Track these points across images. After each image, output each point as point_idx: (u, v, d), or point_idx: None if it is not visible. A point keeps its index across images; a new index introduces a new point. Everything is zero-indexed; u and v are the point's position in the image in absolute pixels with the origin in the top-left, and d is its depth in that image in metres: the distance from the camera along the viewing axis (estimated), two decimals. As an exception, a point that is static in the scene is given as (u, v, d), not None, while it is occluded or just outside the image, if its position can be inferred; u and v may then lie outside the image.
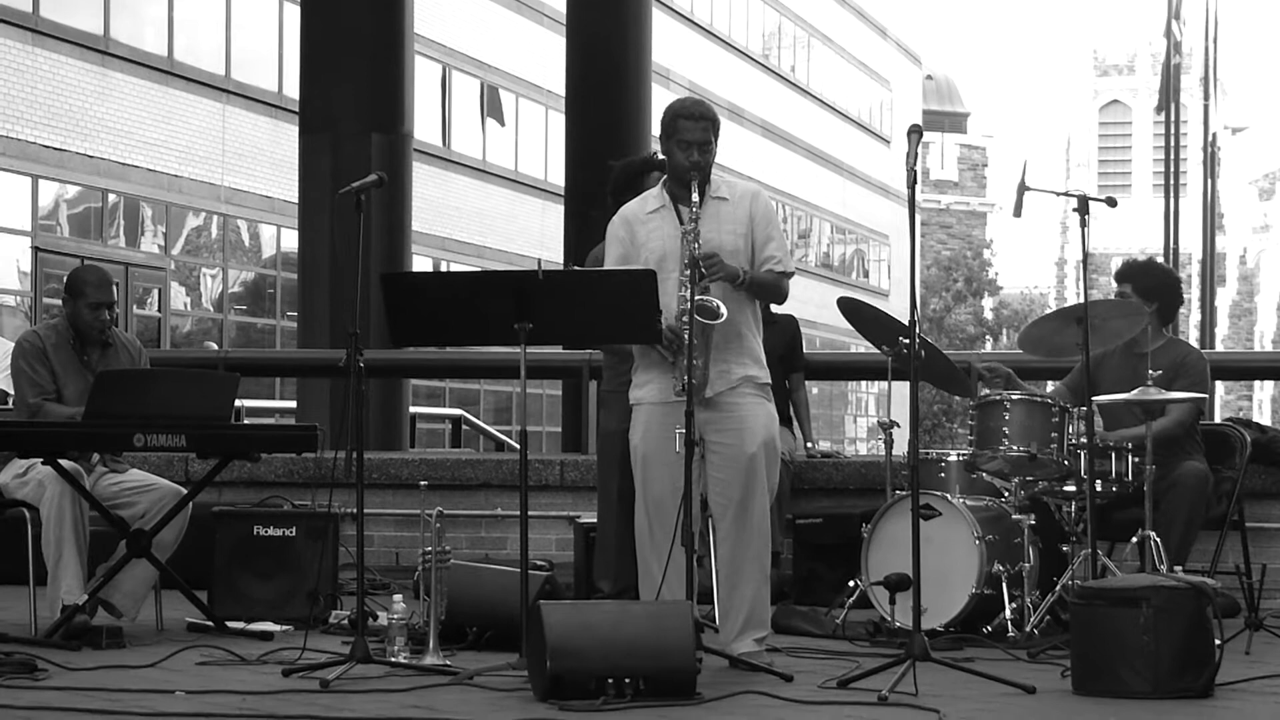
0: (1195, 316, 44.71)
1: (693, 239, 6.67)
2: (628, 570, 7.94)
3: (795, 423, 9.73)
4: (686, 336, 6.60)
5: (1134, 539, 7.94)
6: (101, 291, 8.05)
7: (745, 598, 6.86)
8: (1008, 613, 7.83)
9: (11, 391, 8.33)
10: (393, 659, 6.81)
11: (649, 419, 6.88)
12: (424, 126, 28.47)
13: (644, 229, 6.91)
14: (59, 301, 8.32)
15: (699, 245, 6.66)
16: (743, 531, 6.84)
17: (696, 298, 6.59)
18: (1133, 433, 8.22)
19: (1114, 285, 8.84)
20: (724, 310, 6.64)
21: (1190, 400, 8.30)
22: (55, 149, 24.48)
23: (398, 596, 7.09)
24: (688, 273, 6.63)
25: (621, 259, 6.94)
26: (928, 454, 8.46)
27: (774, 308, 8.95)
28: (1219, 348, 49.47)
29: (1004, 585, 7.89)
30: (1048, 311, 9.23)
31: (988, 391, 8.34)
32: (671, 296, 6.73)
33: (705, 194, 6.80)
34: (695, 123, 6.82)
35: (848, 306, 8.43)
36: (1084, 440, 7.91)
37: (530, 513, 6.85)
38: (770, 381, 7.00)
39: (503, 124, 35.37)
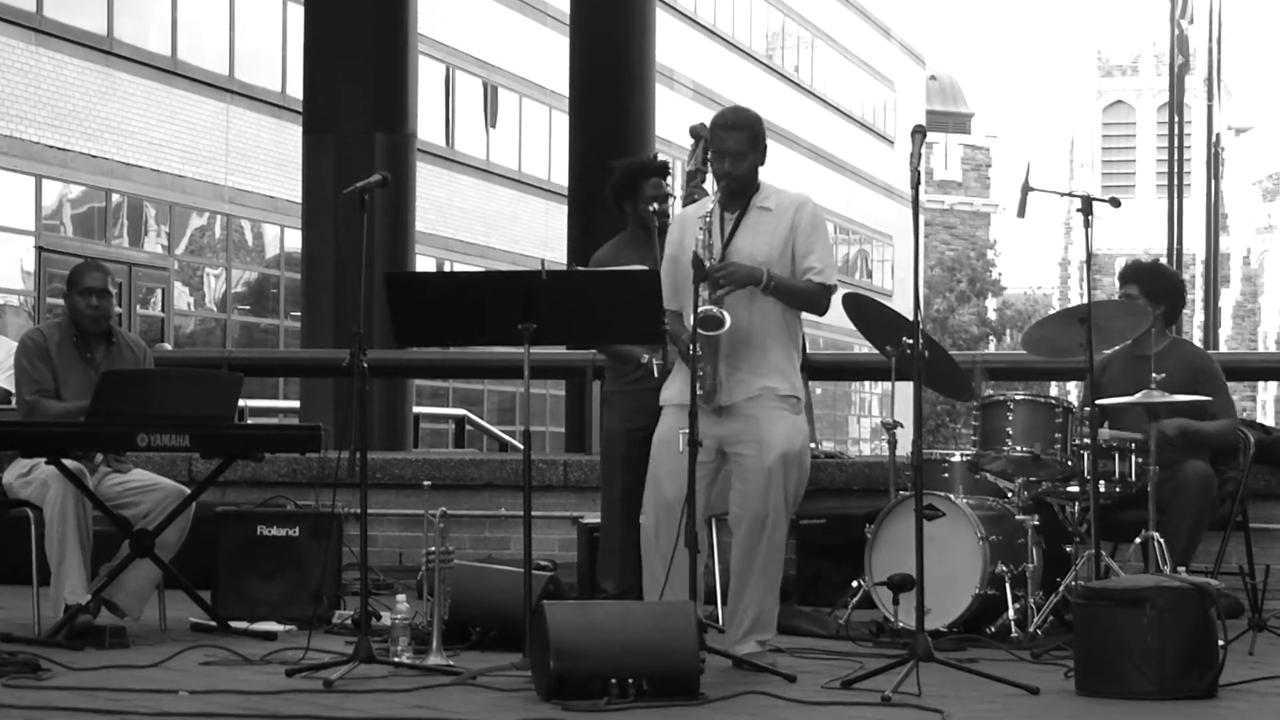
0: (1199, 317, 44.64)
1: (704, 249, 6.71)
2: (631, 570, 7.95)
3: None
4: (693, 347, 6.62)
5: (1137, 539, 7.94)
6: (93, 278, 8.05)
7: (752, 604, 6.87)
8: (1011, 613, 7.83)
9: (14, 390, 8.33)
10: (396, 659, 6.81)
11: (669, 420, 6.89)
12: (427, 126, 28.46)
13: (690, 232, 6.94)
14: (62, 301, 8.33)
15: (708, 255, 6.70)
16: (755, 543, 6.84)
17: (703, 307, 6.63)
18: (1188, 424, 8.36)
19: (1117, 285, 8.83)
20: (728, 319, 6.66)
21: (1225, 402, 8.47)
22: (59, 149, 24.48)
23: (401, 596, 7.09)
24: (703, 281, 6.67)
25: (671, 259, 7.03)
26: (931, 454, 8.45)
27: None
28: (1222, 348, 49.32)
29: (1007, 586, 7.88)
30: (1051, 312, 9.22)
31: (991, 391, 8.35)
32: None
33: (750, 204, 6.90)
34: (726, 132, 6.92)
35: (852, 304, 8.42)
36: (1088, 440, 7.91)
37: (534, 513, 6.85)
38: (799, 395, 7.00)
39: (494, 125, 35.33)
